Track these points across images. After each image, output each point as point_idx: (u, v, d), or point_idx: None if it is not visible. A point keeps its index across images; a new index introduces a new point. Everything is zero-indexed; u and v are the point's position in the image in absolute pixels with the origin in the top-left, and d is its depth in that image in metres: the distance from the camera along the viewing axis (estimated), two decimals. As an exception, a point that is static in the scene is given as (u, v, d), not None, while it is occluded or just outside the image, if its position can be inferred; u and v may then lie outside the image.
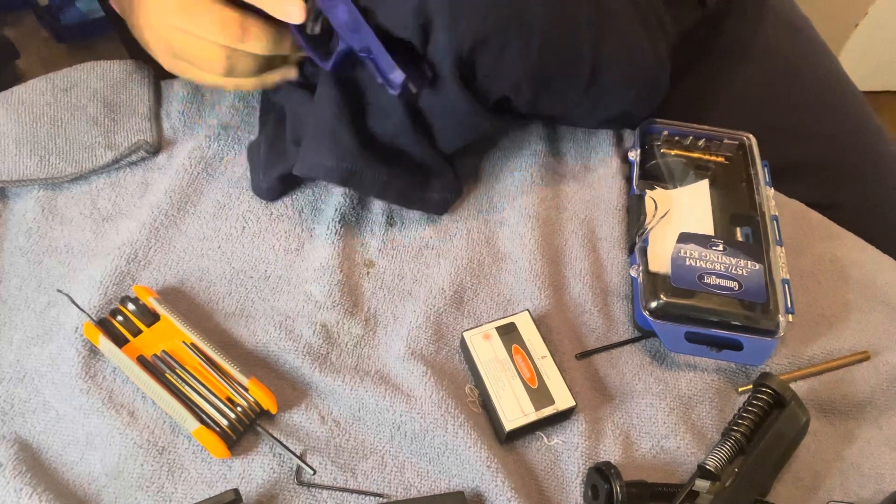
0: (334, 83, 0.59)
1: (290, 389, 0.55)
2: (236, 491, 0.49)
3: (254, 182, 0.65)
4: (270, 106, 0.68)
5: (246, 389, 0.53)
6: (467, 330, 0.57)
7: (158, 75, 0.70)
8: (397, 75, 0.54)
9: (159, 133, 0.68)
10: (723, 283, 0.59)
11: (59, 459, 0.51)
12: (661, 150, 0.69)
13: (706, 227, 0.63)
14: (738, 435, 0.52)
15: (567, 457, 0.54)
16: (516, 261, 0.63)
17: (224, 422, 0.52)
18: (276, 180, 0.64)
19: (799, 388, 0.58)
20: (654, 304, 0.58)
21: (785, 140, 0.77)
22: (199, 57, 0.58)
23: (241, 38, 0.56)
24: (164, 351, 0.55)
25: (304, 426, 0.54)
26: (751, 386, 0.57)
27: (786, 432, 0.53)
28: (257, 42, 0.57)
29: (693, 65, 0.75)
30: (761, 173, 0.67)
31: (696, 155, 0.69)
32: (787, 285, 0.60)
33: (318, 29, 0.58)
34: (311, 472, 0.52)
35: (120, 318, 0.55)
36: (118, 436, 0.52)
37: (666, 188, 0.66)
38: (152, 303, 0.56)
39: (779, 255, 0.62)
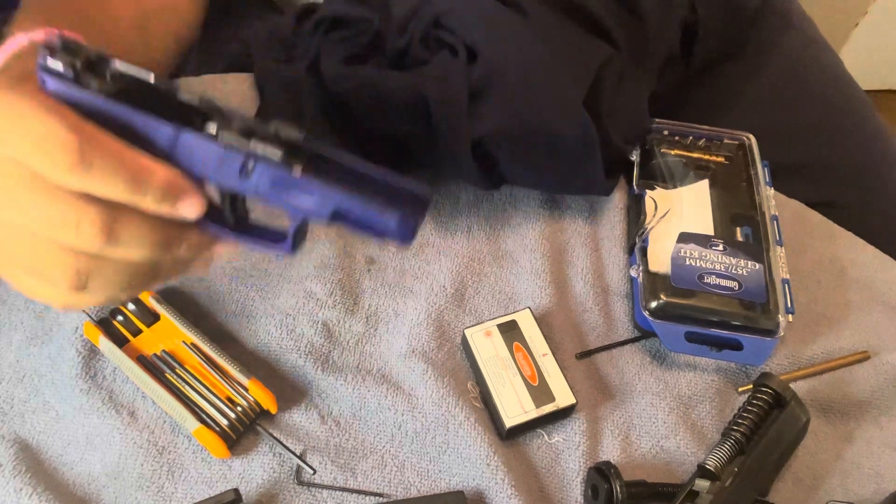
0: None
1: (290, 389, 0.55)
2: (236, 491, 0.49)
3: None
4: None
5: (246, 389, 0.53)
6: (469, 327, 0.57)
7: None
8: (390, 218, 0.38)
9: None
10: (723, 282, 0.59)
11: (58, 459, 0.51)
12: (661, 150, 0.69)
13: (706, 227, 0.63)
14: (738, 435, 0.52)
15: (567, 455, 0.54)
16: (517, 259, 0.64)
17: (224, 422, 0.52)
18: None
19: (799, 388, 0.58)
20: (654, 304, 0.58)
21: (785, 140, 0.77)
22: (34, 262, 0.39)
23: (105, 240, 0.37)
24: (164, 351, 0.55)
25: (304, 426, 0.54)
26: (751, 386, 0.57)
27: (786, 432, 0.53)
28: (131, 246, 0.38)
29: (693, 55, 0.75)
30: (761, 173, 0.67)
31: (696, 155, 0.69)
32: (787, 285, 0.60)
33: (241, 213, 0.42)
34: (311, 471, 0.52)
35: (120, 317, 0.55)
36: (118, 436, 0.52)
37: (666, 188, 0.66)
38: (152, 302, 0.56)
39: (779, 255, 0.62)
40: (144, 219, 0.38)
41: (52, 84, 0.38)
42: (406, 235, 0.39)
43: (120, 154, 0.37)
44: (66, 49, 0.37)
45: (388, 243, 0.40)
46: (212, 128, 0.38)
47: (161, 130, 0.38)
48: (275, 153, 0.37)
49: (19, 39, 0.43)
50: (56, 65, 0.37)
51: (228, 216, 0.42)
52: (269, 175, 0.38)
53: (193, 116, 0.39)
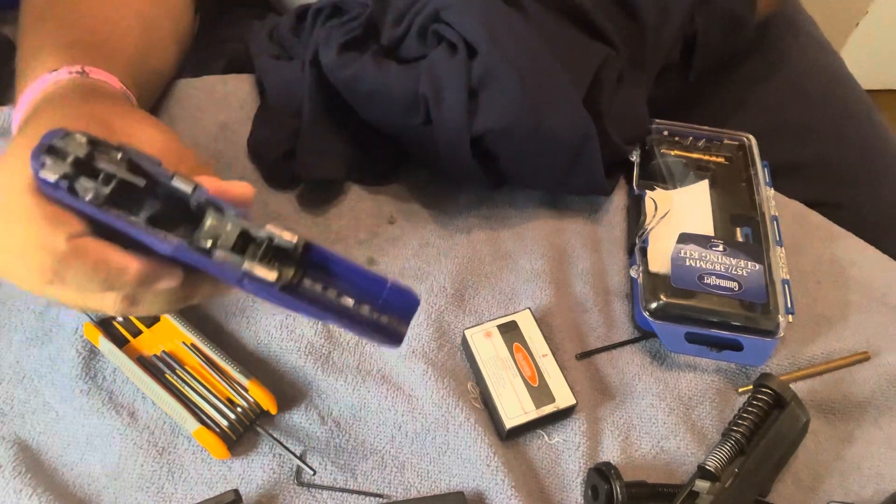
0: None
1: (290, 389, 0.55)
2: (236, 491, 0.49)
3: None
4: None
5: (246, 390, 0.53)
6: (469, 328, 0.57)
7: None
8: (376, 339, 0.40)
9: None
10: (723, 283, 0.59)
11: (58, 460, 0.51)
12: (661, 151, 0.69)
13: (706, 227, 0.63)
14: (738, 435, 0.52)
15: (568, 455, 0.54)
16: (517, 259, 0.64)
17: (224, 422, 0.52)
18: None
19: (799, 388, 0.58)
20: (654, 305, 0.58)
21: (786, 140, 0.77)
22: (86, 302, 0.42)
23: (129, 307, 0.41)
24: (164, 351, 0.55)
25: (304, 426, 0.54)
26: (751, 386, 0.57)
27: (786, 432, 0.53)
28: (154, 304, 0.42)
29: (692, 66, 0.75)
30: (761, 173, 0.67)
31: (696, 155, 0.69)
32: (787, 286, 0.60)
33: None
34: (311, 472, 0.52)
35: (120, 318, 0.55)
36: (118, 436, 0.52)
37: (666, 188, 0.66)
38: (152, 303, 0.56)
39: (779, 256, 0.62)
40: (162, 291, 0.41)
41: (48, 190, 0.38)
42: (393, 344, 0.40)
43: (96, 261, 0.38)
44: (57, 155, 0.38)
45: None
46: (206, 241, 0.38)
47: (155, 244, 0.38)
48: (269, 275, 0.38)
49: (45, 79, 0.47)
50: (49, 176, 0.38)
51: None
52: (263, 292, 0.39)
53: (188, 211, 0.39)
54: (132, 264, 0.39)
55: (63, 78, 0.48)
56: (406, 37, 0.62)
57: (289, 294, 0.39)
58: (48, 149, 0.38)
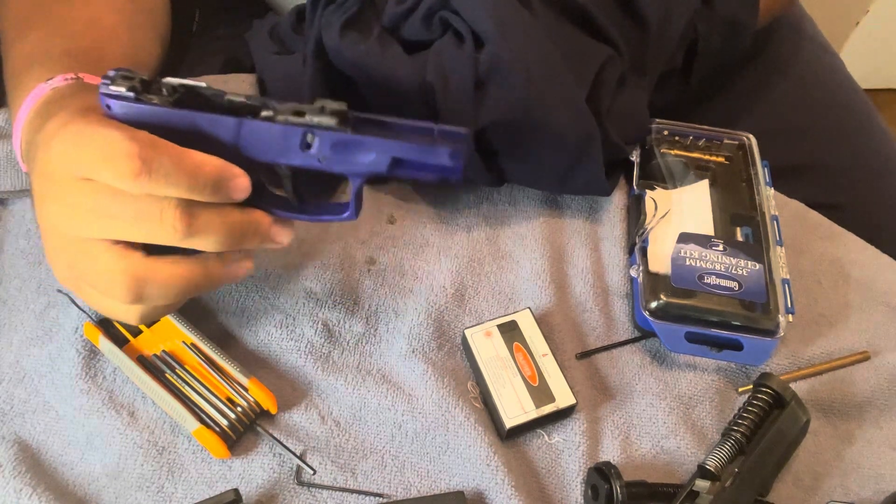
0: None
1: (290, 389, 0.55)
2: (236, 491, 0.49)
3: None
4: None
5: (246, 389, 0.53)
6: (469, 327, 0.57)
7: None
8: (442, 153, 0.44)
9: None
10: (723, 283, 0.59)
11: (58, 460, 0.51)
12: (661, 150, 0.69)
13: (706, 227, 0.63)
14: (738, 435, 0.52)
15: (568, 455, 0.54)
16: (517, 259, 0.64)
17: (224, 422, 0.52)
18: None
19: (799, 388, 0.58)
20: (654, 305, 0.58)
21: (786, 140, 0.77)
22: (96, 278, 0.44)
23: (186, 229, 0.42)
24: (164, 351, 0.55)
25: (304, 426, 0.54)
26: (751, 386, 0.57)
27: (786, 432, 0.53)
28: (207, 234, 0.43)
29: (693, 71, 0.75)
30: (761, 173, 0.67)
31: (696, 155, 0.69)
32: (787, 285, 0.60)
33: (302, 193, 0.49)
34: (311, 472, 0.52)
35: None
36: (118, 436, 0.52)
37: (666, 188, 0.66)
38: (152, 302, 0.56)
39: (779, 255, 0.62)
40: (218, 210, 0.43)
41: (116, 107, 0.43)
42: (457, 167, 0.45)
43: (177, 156, 0.41)
44: (123, 76, 0.43)
45: (441, 180, 0.46)
46: (267, 114, 0.44)
47: (223, 124, 0.44)
48: (329, 121, 0.43)
49: (41, 88, 0.49)
50: (118, 89, 0.43)
51: (291, 198, 0.48)
52: (328, 141, 0.44)
53: (246, 111, 0.44)
54: (211, 160, 0.43)
55: (60, 84, 0.49)
56: (409, 17, 0.61)
57: (354, 131, 0.44)
58: (114, 76, 0.43)
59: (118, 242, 0.43)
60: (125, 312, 0.47)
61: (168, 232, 0.42)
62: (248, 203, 0.45)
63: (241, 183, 0.44)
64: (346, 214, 0.48)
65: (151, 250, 0.44)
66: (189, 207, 0.42)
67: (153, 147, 0.41)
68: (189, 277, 0.45)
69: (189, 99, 0.44)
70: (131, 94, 0.43)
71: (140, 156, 0.40)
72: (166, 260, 0.44)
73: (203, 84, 0.44)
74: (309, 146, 0.44)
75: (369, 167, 0.45)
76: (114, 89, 0.43)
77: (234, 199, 0.44)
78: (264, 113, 0.44)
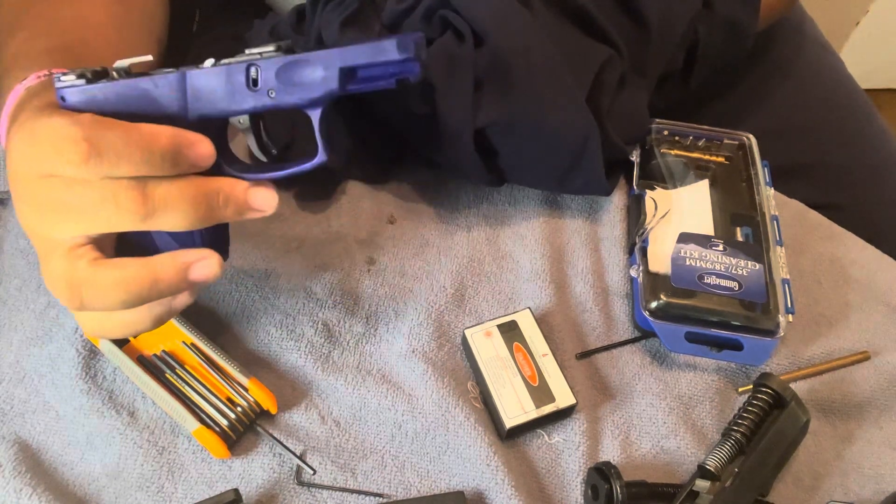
0: None
1: (290, 389, 0.55)
2: (236, 491, 0.49)
3: None
4: None
5: (246, 389, 0.53)
6: (469, 327, 0.57)
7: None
8: (390, 48, 0.41)
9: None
10: (723, 283, 0.59)
11: (59, 460, 0.51)
12: (661, 150, 0.69)
13: (706, 227, 0.63)
14: (738, 435, 0.52)
15: (568, 455, 0.54)
16: (517, 259, 0.64)
17: (224, 422, 0.52)
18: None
19: (799, 388, 0.58)
20: (654, 305, 0.58)
21: (786, 140, 0.77)
22: (48, 282, 0.43)
23: (144, 208, 0.40)
24: (164, 351, 0.55)
25: (304, 426, 0.54)
26: (751, 386, 0.57)
27: (786, 432, 0.53)
28: (172, 210, 0.41)
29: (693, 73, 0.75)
30: (761, 173, 0.67)
31: (696, 155, 0.69)
32: (787, 285, 0.60)
33: (268, 147, 0.47)
34: (311, 472, 0.52)
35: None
36: (118, 436, 0.52)
37: (666, 188, 0.66)
38: (152, 302, 0.56)
39: (779, 255, 0.62)
40: (173, 179, 0.41)
41: (69, 97, 0.43)
42: (410, 60, 0.41)
43: (125, 130, 0.40)
44: (76, 72, 0.43)
45: (405, 80, 0.43)
46: (208, 63, 0.43)
47: (167, 81, 0.43)
48: (269, 49, 0.42)
49: (17, 90, 0.49)
50: (69, 79, 0.43)
51: (258, 152, 0.47)
52: (272, 68, 0.42)
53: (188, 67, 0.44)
54: (163, 129, 0.41)
55: (33, 83, 0.49)
56: (409, 15, 0.61)
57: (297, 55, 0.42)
58: (67, 72, 0.43)
59: (78, 246, 0.42)
60: (81, 320, 0.46)
61: (126, 216, 0.40)
62: (214, 174, 0.43)
63: (203, 148, 0.42)
64: (317, 157, 0.45)
65: (133, 251, 0.43)
66: (142, 185, 0.40)
67: (98, 126, 0.40)
68: (131, 282, 0.41)
69: (138, 73, 0.44)
70: (81, 81, 0.42)
71: (85, 138, 0.39)
72: (112, 264, 0.42)
73: (149, 57, 0.44)
74: (255, 83, 0.42)
75: (322, 88, 0.42)
76: (66, 79, 0.43)
77: (198, 168, 0.42)
78: (206, 63, 0.43)
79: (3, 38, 0.57)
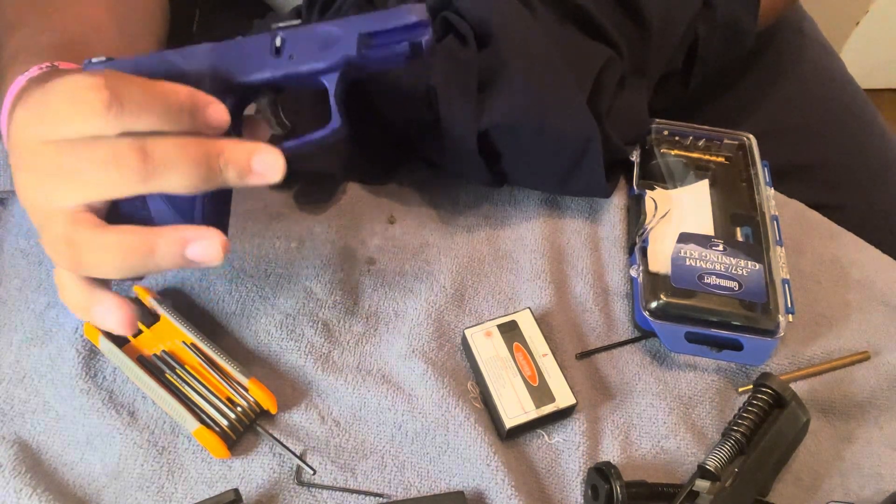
0: None
1: (290, 389, 0.55)
2: (236, 491, 0.49)
3: None
4: None
5: (246, 389, 0.53)
6: (469, 327, 0.57)
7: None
8: (403, 12, 0.45)
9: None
10: (723, 283, 0.59)
11: (59, 460, 0.51)
12: (661, 150, 0.69)
13: (706, 227, 0.63)
14: (738, 435, 0.52)
15: (568, 455, 0.54)
16: (517, 259, 0.64)
17: (224, 422, 0.52)
18: None
19: (799, 388, 0.58)
20: (654, 305, 0.58)
21: (786, 140, 0.77)
22: (47, 244, 0.44)
23: (144, 165, 0.40)
24: (164, 351, 0.55)
25: (304, 426, 0.54)
26: (751, 386, 0.57)
27: (786, 432, 0.53)
28: (173, 168, 0.41)
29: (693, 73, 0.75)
30: (761, 173, 0.67)
31: (696, 155, 0.69)
32: (787, 285, 0.60)
33: (283, 119, 0.49)
34: (311, 472, 0.52)
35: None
36: (118, 436, 0.52)
37: (666, 188, 0.66)
38: (152, 303, 0.56)
39: (779, 255, 0.62)
40: (175, 137, 0.41)
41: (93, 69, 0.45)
42: (423, 22, 0.45)
43: (146, 83, 0.41)
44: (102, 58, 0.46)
45: (418, 45, 0.46)
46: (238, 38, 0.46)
47: (198, 52, 0.45)
48: (293, 20, 0.46)
49: (19, 81, 0.50)
50: (98, 59, 0.46)
51: (275, 125, 0.49)
52: (295, 36, 0.45)
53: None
54: (182, 87, 0.42)
55: (35, 74, 0.50)
56: None
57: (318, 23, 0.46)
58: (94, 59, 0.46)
59: (78, 212, 0.42)
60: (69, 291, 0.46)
61: (127, 176, 0.40)
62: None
63: (218, 108, 0.43)
64: (331, 123, 0.47)
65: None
66: (143, 143, 0.40)
67: (120, 77, 0.40)
68: (129, 249, 0.42)
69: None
70: (109, 58, 0.45)
71: (107, 86, 0.39)
72: (113, 229, 0.42)
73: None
74: (279, 51, 0.45)
75: (339, 50, 0.45)
76: (95, 60, 0.45)
77: (212, 129, 0.43)
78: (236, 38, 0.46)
79: (5, 34, 0.57)
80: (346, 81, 0.47)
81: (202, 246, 0.43)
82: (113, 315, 0.45)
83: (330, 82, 0.46)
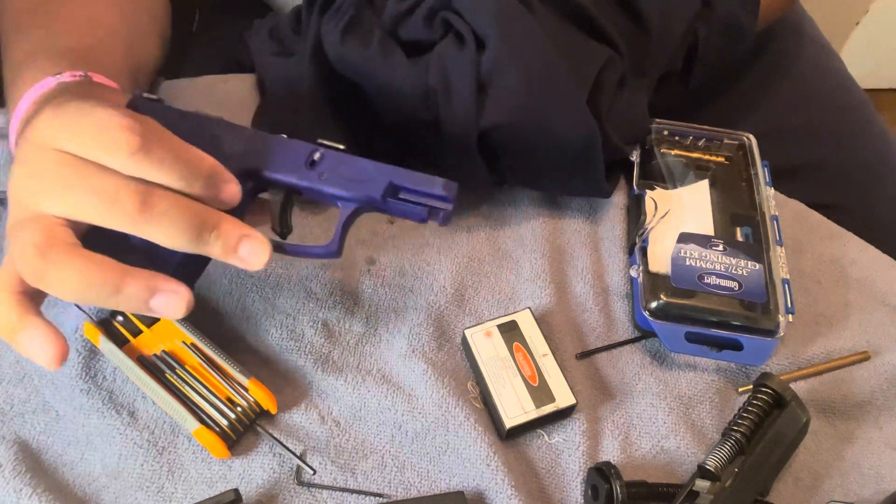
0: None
1: (290, 389, 0.55)
2: (236, 491, 0.49)
3: None
4: None
5: (246, 389, 0.53)
6: (469, 327, 0.57)
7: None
8: (437, 184, 0.48)
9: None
10: (723, 283, 0.59)
11: (58, 460, 0.51)
12: (661, 150, 0.69)
13: (706, 227, 0.63)
14: (738, 435, 0.52)
15: (568, 455, 0.54)
16: (517, 259, 0.64)
17: (224, 422, 0.52)
18: None
19: (799, 388, 0.58)
20: (654, 305, 0.58)
21: (786, 140, 0.77)
22: (16, 248, 0.41)
23: (140, 212, 0.40)
24: (164, 351, 0.55)
25: (304, 426, 0.54)
26: (751, 386, 0.57)
27: (786, 432, 0.53)
28: (165, 223, 0.41)
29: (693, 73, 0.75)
30: (761, 173, 0.67)
31: (696, 155, 0.69)
32: (787, 285, 0.60)
33: (287, 227, 0.51)
34: (311, 472, 0.52)
35: (120, 318, 0.55)
36: (118, 436, 0.52)
37: (666, 188, 0.66)
38: (152, 302, 0.56)
39: (779, 255, 0.62)
40: (179, 197, 0.41)
41: (141, 105, 0.47)
42: (447, 200, 0.48)
43: (176, 145, 0.42)
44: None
45: (435, 214, 0.49)
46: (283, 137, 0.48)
47: (244, 132, 0.47)
48: (338, 146, 0.48)
49: (48, 82, 0.49)
50: (150, 95, 0.48)
51: (276, 226, 0.50)
52: (333, 158, 0.48)
53: None
54: (208, 157, 0.43)
55: (68, 80, 0.49)
56: (410, 15, 0.61)
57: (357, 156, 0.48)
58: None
59: (58, 225, 0.41)
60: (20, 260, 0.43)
61: (120, 216, 0.40)
62: None
63: (234, 189, 0.44)
64: (329, 247, 0.49)
65: (104, 240, 0.42)
66: (147, 191, 0.40)
67: (156, 132, 0.41)
68: (97, 281, 0.40)
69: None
70: (160, 99, 0.47)
71: (142, 133, 0.40)
72: (86, 255, 0.41)
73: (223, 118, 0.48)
74: (314, 164, 0.47)
75: (366, 189, 0.47)
76: (146, 95, 0.47)
77: (220, 204, 0.43)
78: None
79: (15, 31, 0.57)
80: (358, 215, 0.49)
81: (169, 300, 0.42)
82: (40, 346, 0.42)
83: (345, 210, 0.49)
